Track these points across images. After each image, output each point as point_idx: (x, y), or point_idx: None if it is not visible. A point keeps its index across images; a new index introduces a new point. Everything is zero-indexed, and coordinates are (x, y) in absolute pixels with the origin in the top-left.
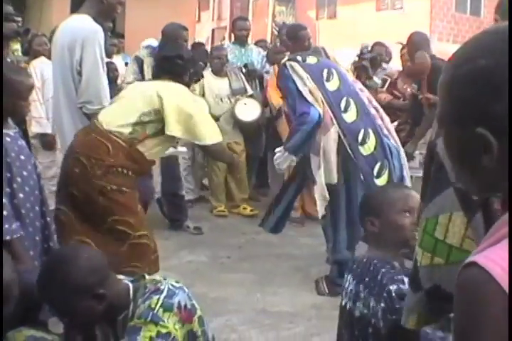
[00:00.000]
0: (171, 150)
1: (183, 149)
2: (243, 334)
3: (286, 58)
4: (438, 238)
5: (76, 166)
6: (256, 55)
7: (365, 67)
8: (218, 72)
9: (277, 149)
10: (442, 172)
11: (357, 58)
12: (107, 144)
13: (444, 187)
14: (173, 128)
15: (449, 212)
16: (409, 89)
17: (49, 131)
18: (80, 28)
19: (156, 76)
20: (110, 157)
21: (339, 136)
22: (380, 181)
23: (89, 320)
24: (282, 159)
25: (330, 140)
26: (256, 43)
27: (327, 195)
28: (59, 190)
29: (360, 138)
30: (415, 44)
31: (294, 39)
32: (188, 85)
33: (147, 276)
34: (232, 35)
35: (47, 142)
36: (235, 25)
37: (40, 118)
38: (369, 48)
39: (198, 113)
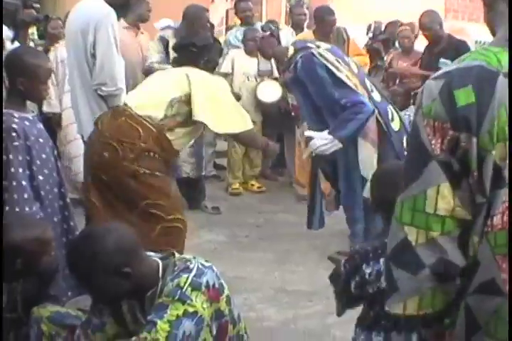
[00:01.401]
0: None
1: None
2: (261, 312)
3: (293, 48)
4: (429, 212)
5: (106, 150)
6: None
7: (378, 49)
8: (251, 53)
9: (314, 133)
10: (421, 150)
11: (369, 40)
12: (137, 128)
13: (425, 164)
14: (200, 114)
15: (436, 184)
16: (405, 64)
17: (57, 110)
18: (93, 11)
19: (175, 63)
20: (141, 141)
21: None
22: None
23: (116, 296)
24: (329, 146)
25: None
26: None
27: None
28: (84, 177)
29: (390, 115)
30: (438, 22)
31: (319, 22)
32: None
33: (177, 254)
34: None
35: (55, 120)
36: (237, 8)
37: (49, 98)
38: (382, 28)
39: (226, 100)
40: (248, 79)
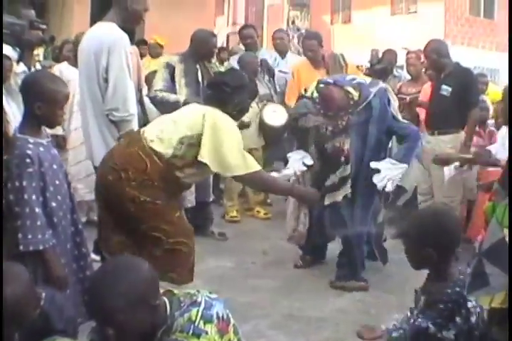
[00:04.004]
0: (274, 174)
1: (289, 172)
2: (272, 339)
3: (352, 89)
4: None
5: (110, 174)
6: (268, 58)
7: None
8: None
9: (380, 165)
10: None
11: (366, 69)
12: (146, 161)
13: None
14: (206, 155)
15: None
16: (414, 90)
17: (60, 132)
18: (106, 36)
19: (205, 100)
20: (146, 174)
21: None
22: None
23: (139, 332)
24: (399, 172)
25: None
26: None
27: None
28: (96, 194)
29: None
30: (435, 51)
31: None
32: (231, 116)
33: (176, 291)
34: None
35: (57, 142)
36: (240, 35)
37: None
38: (379, 55)
39: (231, 143)
40: (250, 106)
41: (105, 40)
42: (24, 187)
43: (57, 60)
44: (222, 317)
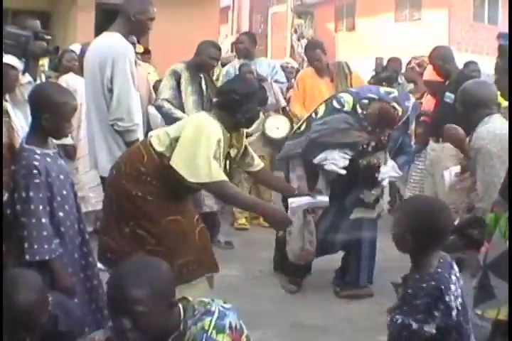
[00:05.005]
0: (306, 201)
1: (324, 199)
2: None
3: (396, 104)
4: None
5: (115, 168)
6: (266, 68)
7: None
8: None
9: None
10: None
11: (371, 78)
12: (144, 155)
13: None
14: (175, 159)
15: None
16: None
17: (69, 142)
18: (111, 46)
19: (213, 107)
20: (143, 166)
21: None
22: None
23: (153, 330)
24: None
25: None
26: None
27: None
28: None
29: None
30: (440, 57)
31: (307, 57)
32: (240, 123)
33: (190, 298)
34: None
35: (67, 152)
36: (236, 40)
37: None
38: (384, 64)
39: (206, 148)
40: None
41: (109, 51)
42: (31, 197)
43: (56, 69)
44: (236, 327)
